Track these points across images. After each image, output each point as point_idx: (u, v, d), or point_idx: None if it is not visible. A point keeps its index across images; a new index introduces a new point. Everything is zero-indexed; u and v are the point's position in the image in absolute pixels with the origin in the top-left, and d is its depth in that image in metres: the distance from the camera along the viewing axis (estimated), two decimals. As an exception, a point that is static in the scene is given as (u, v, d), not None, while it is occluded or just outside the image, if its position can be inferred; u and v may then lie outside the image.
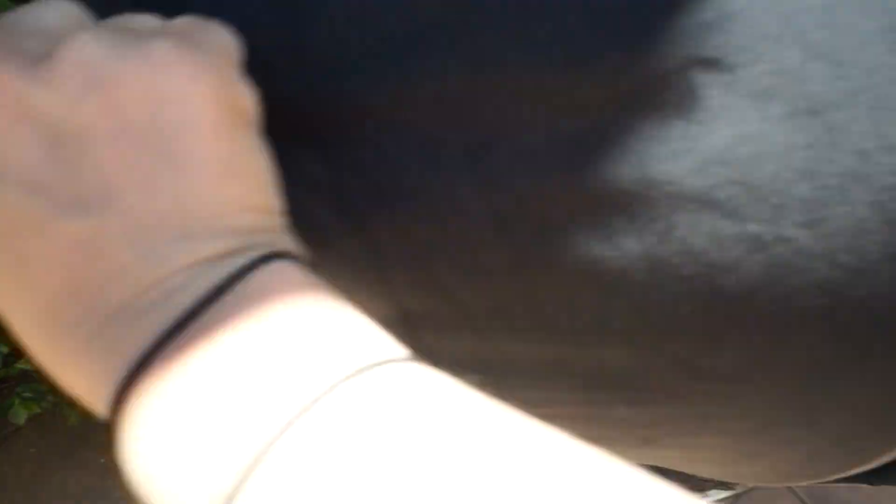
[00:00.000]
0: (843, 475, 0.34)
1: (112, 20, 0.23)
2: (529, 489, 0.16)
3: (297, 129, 0.27)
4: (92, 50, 0.20)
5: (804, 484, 0.40)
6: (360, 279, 0.29)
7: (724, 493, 1.17)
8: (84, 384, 0.22)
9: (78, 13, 0.23)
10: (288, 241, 0.23)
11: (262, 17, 0.26)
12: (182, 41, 0.21)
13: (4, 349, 0.89)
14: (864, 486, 0.41)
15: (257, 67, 0.25)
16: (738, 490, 1.20)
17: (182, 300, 0.20)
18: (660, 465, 0.36)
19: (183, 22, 0.23)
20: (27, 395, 1.22)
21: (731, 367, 0.27)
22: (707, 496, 1.16)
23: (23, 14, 0.22)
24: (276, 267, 0.21)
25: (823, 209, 0.22)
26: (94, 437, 1.45)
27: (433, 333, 0.29)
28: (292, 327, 0.20)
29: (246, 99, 0.23)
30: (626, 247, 0.24)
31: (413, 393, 0.18)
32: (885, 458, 0.31)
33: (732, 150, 0.23)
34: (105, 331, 0.21)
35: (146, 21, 0.23)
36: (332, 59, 0.26)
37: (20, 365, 1.10)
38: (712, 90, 0.23)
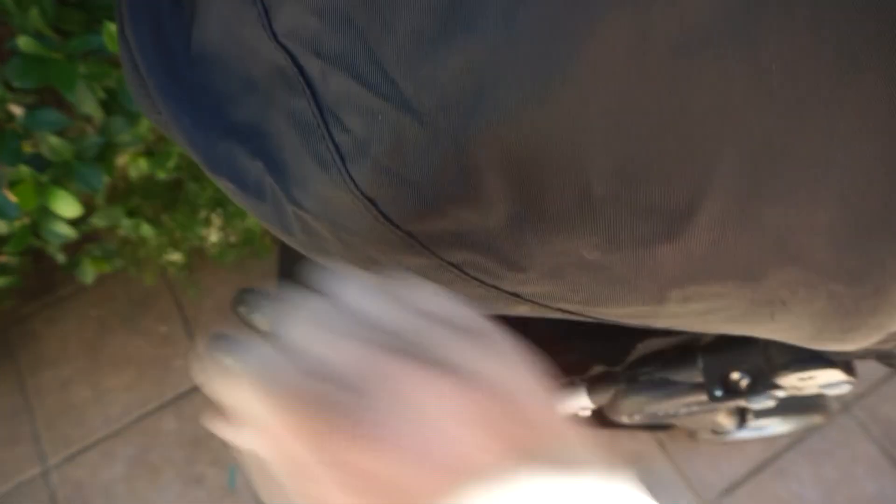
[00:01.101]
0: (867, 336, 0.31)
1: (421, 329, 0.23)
2: None
3: None
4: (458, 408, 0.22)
5: (835, 348, 0.35)
6: None
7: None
8: None
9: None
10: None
11: None
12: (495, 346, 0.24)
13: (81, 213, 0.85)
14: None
15: None
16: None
17: None
18: (676, 323, 0.33)
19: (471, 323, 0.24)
20: (97, 253, 1.20)
21: None
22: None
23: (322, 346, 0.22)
24: None
25: None
26: (157, 306, 1.45)
27: None
28: None
29: None
30: None
31: None
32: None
33: None
34: None
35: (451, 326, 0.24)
36: None
37: (94, 220, 1.07)
38: None
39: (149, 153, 0.99)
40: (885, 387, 1.31)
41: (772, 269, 0.26)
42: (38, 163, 0.72)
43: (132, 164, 1.01)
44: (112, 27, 0.69)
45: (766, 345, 0.55)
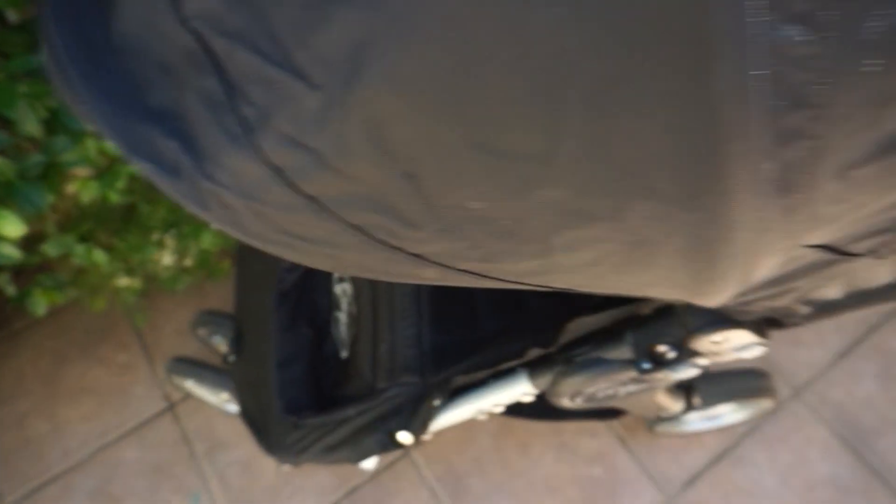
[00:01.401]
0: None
1: None
2: None
3: None
4: None
5: (713, 299, 0.39)
6: None
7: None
8: None
9: None
10: None
11: None
12: None
13: (25, 233, 0.85)
14: None
15: None
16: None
17: None
18: (574, 282, 0.36)
19: None
20: (48, 283, 1.19)
21: None
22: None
23: None
24: None
25: None
26: (115, 335, 1.43)
27: None
28: None
29: None
30: None
31: None
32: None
33: None
34: None
35: None
36: None
37: (45, 248, 1.07)
38: None
39: (99, 177, 0.99)
40: (832, 371, 1.36)
41: (629, 204, 0.29)
42: (-21, 183, 0.72)
43: (83, 189, 1.01)
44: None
45: (683, 313, 0.58)
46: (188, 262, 1.32)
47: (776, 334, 0.57)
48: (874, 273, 0.46)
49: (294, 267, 1.05)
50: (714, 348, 0.57)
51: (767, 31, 0.23)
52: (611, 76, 0.24)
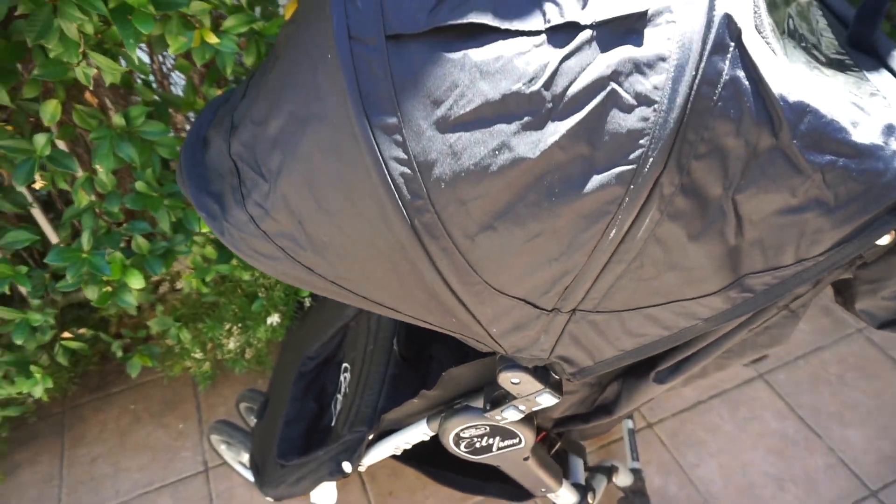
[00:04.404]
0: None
1: None
2: None
3: None
4: None
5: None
6: None
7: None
8: None
9: None
10: None
11: None
12: None
13: (143, 286, 1.28)
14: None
15: None
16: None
17: None
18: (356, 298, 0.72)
19: None
20: (145, 353, 1.60)
21: None
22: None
23: None
24: None
25: None
26: (181, 407, 1.80)
27: None
28: None
29: None
30: None
31: None
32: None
33: None
34: None
35: None
36: None
37: (151, 325, 1.50)
38: None
39: (196, 272, 1.44)
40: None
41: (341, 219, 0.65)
42: (127, 252, 1.17)
43: (186, 281, 1.46)
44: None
45: (500, 361, 0.83)
46: (248, 354, 1.71)
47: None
48: (611, 334, 0.73)
49: (316, 355, 1.40)
50: (515, 389, 0.81)
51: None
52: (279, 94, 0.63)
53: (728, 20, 0.54)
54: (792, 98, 0.57)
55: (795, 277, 0.67)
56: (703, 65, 0.54)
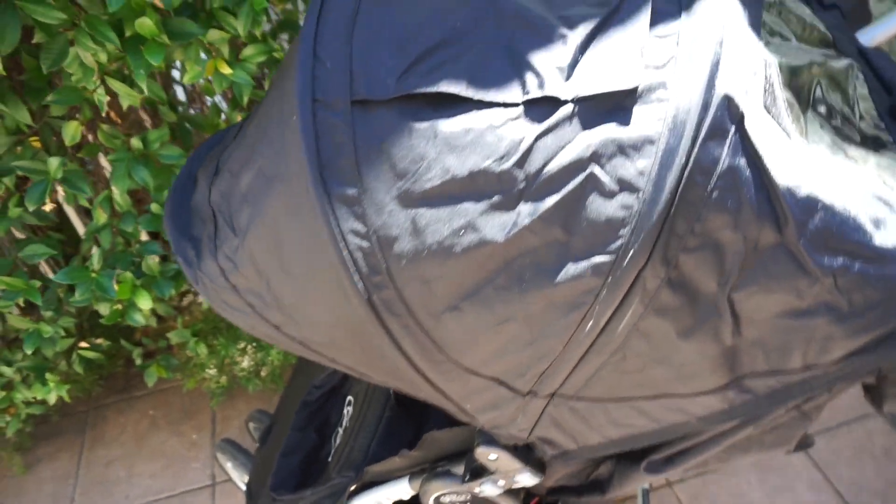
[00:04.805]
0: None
1: None
2: None
3: None
4: None
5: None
6: None
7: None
8: None
9: None
10: None
11: None
12: None
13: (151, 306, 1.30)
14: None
15: None
16: None
17: None
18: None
19: None
20: (163, 363, 1.62)
21: None
22: None
23: None
24: None
25: None
26: (196, 418, 1.82)
27: None
28: None
29: None
30: None
31: None
32: None
33: None
34: None
35: None
36: None
37: (171, 336, 1.52)
38: None
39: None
40: None
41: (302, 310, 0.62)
42: (137, 273, 1.18)
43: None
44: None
45: (479, 434, 0.78)
46: (264, 372, 1.71)
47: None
48: (595, 422, 0.68)
49: (322, 384, 1.39)
50: (493, 465, 0.76)
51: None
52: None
53: (728, 102, 0.48)
54: (801, 192, 0.50)
55: (803, 385, 0.60)
56: (696, 150, 0.48)
